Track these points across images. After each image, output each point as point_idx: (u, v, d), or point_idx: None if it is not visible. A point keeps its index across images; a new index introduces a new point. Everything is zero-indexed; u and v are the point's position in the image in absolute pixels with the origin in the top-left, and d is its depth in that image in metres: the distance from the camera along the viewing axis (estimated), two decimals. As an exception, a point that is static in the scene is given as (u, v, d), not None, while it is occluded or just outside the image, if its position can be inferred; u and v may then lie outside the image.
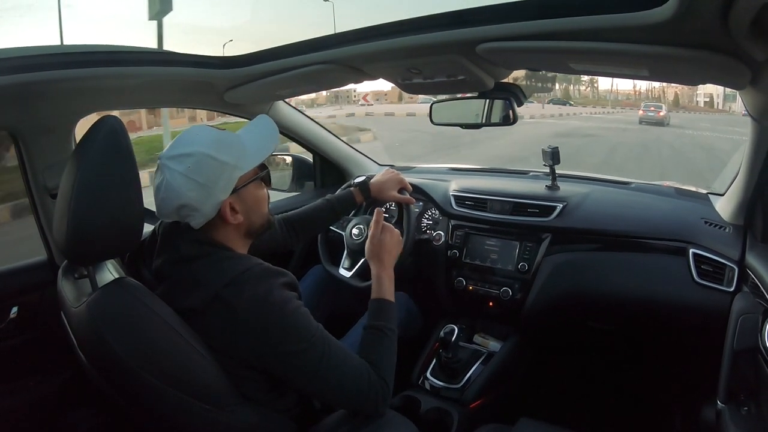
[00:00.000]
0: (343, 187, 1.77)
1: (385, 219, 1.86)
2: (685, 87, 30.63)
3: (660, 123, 18.63)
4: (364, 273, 1.66)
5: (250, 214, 1.02)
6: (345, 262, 1.72)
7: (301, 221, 1.48)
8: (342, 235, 1.74)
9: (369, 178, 1.59)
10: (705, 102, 34.13)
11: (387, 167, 2.23)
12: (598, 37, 0.85)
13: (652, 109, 20.26)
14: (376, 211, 1.29)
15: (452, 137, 11.48)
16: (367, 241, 1.26)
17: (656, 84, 36.37)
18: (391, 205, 1.92)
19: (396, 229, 1.29)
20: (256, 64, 1.36)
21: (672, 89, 34.63)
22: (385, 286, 1.18)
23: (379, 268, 1.21)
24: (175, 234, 0.99)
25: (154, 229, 1.08)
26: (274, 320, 0.90)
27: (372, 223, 1.27)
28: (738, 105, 26.00)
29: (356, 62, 1.26)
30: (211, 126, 1.05)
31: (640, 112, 19.99)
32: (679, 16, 0.69)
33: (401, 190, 1.57)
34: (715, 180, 7.35)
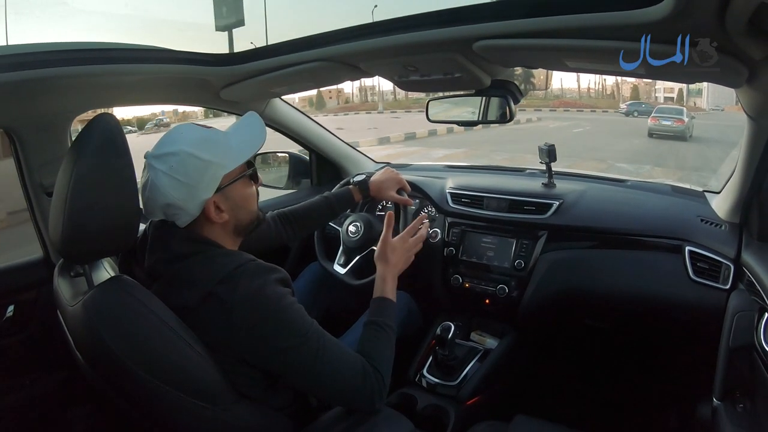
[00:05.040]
0: (340, 184, 1.77)
1: (381, 217, 1.87)
2: (642, 81, 26.72)
3: (681, 136, 13.27)
4: (358, 271, 1.66)
5: (236, 212, 1.01)
6: (340, 258, 1.73)
7: (297, 217, 1.48)
8: (338, 231, 1.74)
9: (368, 176, 1.59)
10: (666, 98, 27.86)
11: (384, 165, 2.24)
12: (595, 34, 0.86)
13: (669, 116, 14.03)
14: (387, 214, 1.28)
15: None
16: (379, 242, 1.26)
17: (609, 80, 31.81)
18: (387, 203, 1.92)
19: (411, 238, 1.28)
20: (252, 61, 1.36)
21: (628, 84, 30.26)
22: (388, 286, 1.18)
23: (384, 270, 1.21)
24: (165, 233, 0.99)
25: (145, 229, 1.08)
26: (268, 316, 0.90)
27: (384, 226, 1.26)
28: (704, 100, 23.71)
29: (353, 59, 1.26)
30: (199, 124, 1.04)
31: (651, 120, 14.13)
32: (675, 14, 0.69)
33: (400, 191, 1.57)
34: (712, 178, 7.29)
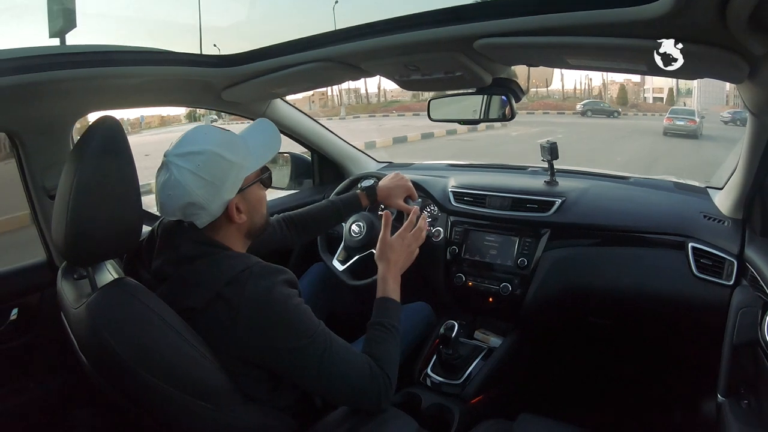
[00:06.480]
0: (343, 184, 1.77)
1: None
2: (630, 81, 26.17)
3: (693, 135, 14.41)
4: (356, 270, 1.67)
5: (252, 215, 1.03)
6: (340, 254, 1.74)
7: (303, 221, 1.48)
8: (342, 228, 1.75)
9: (376, 181, 1.59)
10: (655, 98, 27.60)
11: (386, 164, 2.24)
12: (596, 32, 0.85)
13: (682, 116, 15.24)
14: (384, 214, 1.28)
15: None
16: (378, 243, 1.26)
17: (596, 81, 30.50)
18: None
19: (408, 233, 1.28)
20: (253, 62, 1.36)
21: (615, 84, 28.54)
22: (389, 286, 1.18)
23: (385, 270, 1.21)
24: (175, 234, 1.00)
25: (153, 230, 1.08)
26: (275, 317, 0.91)
27: (382, 226, 1.27)
28: (694, 100, 22.62)
29: (354, 59, 1.26)
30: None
31: (666, 120, 15.31)
32: (676, 10, 0.69)
33: (407, 199, 1.57)
34: (714, 174, 7.24)
